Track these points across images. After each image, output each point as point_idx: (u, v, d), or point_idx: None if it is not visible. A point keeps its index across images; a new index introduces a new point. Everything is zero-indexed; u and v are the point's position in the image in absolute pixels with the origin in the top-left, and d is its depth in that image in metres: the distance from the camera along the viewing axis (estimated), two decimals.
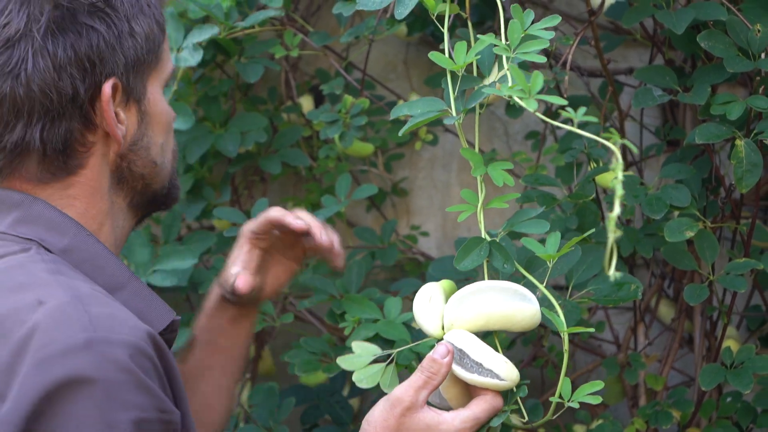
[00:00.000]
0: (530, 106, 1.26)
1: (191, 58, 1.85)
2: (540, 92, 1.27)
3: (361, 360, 1.51)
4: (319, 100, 2.22)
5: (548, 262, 1.41)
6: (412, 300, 1.47)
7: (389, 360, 1.50)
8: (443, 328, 1.39)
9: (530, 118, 2.19)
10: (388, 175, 2.26)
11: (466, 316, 1.37)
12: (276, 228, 1.54)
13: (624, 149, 1.96)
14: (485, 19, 2.09)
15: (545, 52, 1.80)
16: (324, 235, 1.51)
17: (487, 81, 1.43)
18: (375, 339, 1.64)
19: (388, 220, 2.24)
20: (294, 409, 1.93)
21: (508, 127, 2.26)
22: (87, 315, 1.16)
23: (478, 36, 1.39)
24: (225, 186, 2.15)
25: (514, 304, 1.36)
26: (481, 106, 1.43)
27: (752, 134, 1.62)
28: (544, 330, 1.93)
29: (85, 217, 1.32)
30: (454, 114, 1.39)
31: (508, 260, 1.39)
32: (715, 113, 1.62)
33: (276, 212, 1.53)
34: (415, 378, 1.33)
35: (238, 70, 1.97)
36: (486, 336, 1.40)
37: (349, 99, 1.93)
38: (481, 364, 1.34)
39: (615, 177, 1.14)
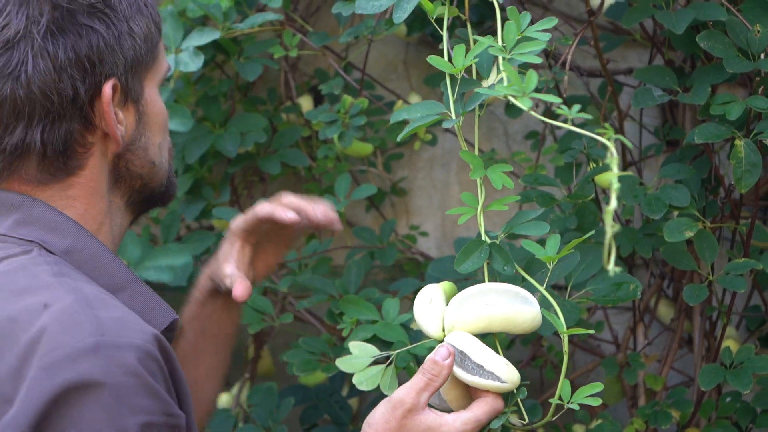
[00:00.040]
0: (524, 104, 1.27)
1: (192, 63, 1.85)
2: (539, 92, 1.28)
3: (359, 361, 1.51)
4: (318, 101, 2.22)
5: (548, 264, 1.41)
6: (411, 300, 1.47)
7: (388, 361, 1.50)
8: (444, 330, 1.39)
9: (530, 118, 2.19)
10: (387, 175, 2.26)
11: (467, 319, 1.37)
12: (266, 223, 1.55)
13: (623, 148, 1.96)
14: (485, 19, 2.09)
15: (545, 52, 1.80)
16: (317, 211, 1.51)
17: (486, 83, 1.43)
18: (373, 340, 1.64)
19: (387, 220, 2.24)
20: (293, 409, 1.93)
21: (507, 127, 2.26)
22: (95, 318, 1.16)
23: (476, 38, 1.39)
24: (224, 186, 2.15)
25: (515, 306, 1.36)
26: (481, 107, 1.43)
27: (752, 134, 1.62)
28: None
29: (85, 218, 1.32)
30: (453, 117, 1.39)
31: (508, 262, 1.38)
32: (715, 113, 1.62)
33: (265, 208, 1.53)
34: (417, 380, 1.33)
35: (236, 69, 1.97)
36: (485, 337, 1.40)
37: (348, 99, 1.93)
38: (482, 366, 1.34)
39: (611, 170, 1.15)
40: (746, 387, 1.66)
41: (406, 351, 1.54)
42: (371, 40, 1.99)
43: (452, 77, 1.40)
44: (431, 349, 1.37)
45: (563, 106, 1.24)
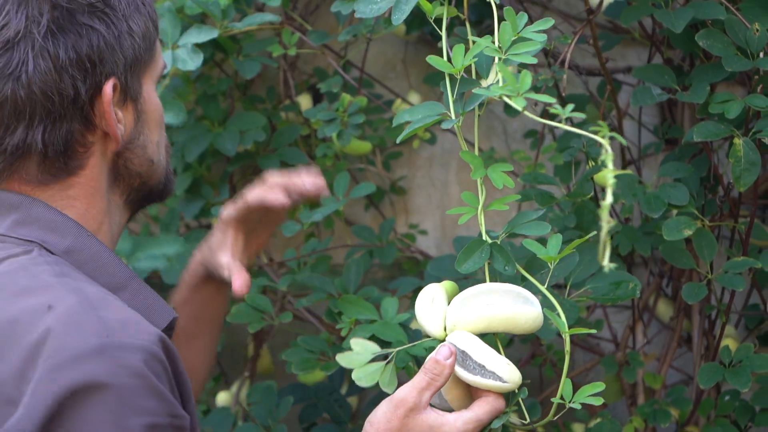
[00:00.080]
0: (519, 104, 1.27)
1: (191, 61, 1.84)
2: (537, 91, 1.28)
3: (360, 358, 1.51)
4: (317, 99, 2.22)
5: (549, 264, 1.41)
6: (410, 299, 1.47)
7: (388, 359, 1.50)
8: (446, 330, 1.39)
9: (529, 117, 2.19)
10: (386, 173, 2.26)
11: (469, 318, 1.37)
12: (257, 211, 1.55)
13: (622, 147, 1.96)
14: (484, 18, 2.09)
15: (543, 50, 1.81)
16: (305, 183, 1.52)
17: (485, 83, 1.43)
18: (371, 340, 1.64)
19: (386, 218, 2.24)
20: (292, 408, 1.93)
21: (506, 125, 2.26)
22: (98, 319, 1.16)
23: (474, 39, 1.39)
24: (223, 184, 2.15)
25: (516, 307, 1.36)
26: (480, 106, 1.43)
27: (750, 133, 1.62)
28: None
29: (85, 218, 1.32)
30: (453, 117, 1.39)
31: (509, 263, 1.39)
32: (714, 112, 1.62)
33: (254, 195, 1.54)
34: (419, 379, 1.33)
35: (235, 67, 1.97)
36: (486, 336, 1.40)
37: (346, 97, 1.93)
38: (483, 366, 1.34)
39: (605, 165, 1.16)
40: (745, 385, 1.66)
41: (404, 351, 1.54)
42: (370, 38, 1.99)
43: (451, 77, 1.40)
44: (431, 348, 1.37)
45: (557, 106, 1.24)
